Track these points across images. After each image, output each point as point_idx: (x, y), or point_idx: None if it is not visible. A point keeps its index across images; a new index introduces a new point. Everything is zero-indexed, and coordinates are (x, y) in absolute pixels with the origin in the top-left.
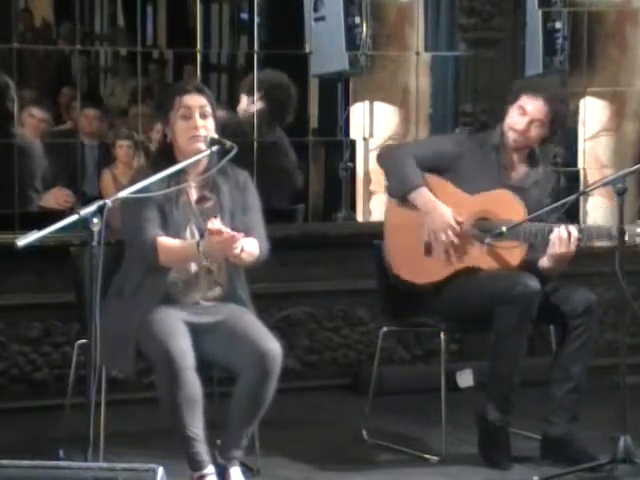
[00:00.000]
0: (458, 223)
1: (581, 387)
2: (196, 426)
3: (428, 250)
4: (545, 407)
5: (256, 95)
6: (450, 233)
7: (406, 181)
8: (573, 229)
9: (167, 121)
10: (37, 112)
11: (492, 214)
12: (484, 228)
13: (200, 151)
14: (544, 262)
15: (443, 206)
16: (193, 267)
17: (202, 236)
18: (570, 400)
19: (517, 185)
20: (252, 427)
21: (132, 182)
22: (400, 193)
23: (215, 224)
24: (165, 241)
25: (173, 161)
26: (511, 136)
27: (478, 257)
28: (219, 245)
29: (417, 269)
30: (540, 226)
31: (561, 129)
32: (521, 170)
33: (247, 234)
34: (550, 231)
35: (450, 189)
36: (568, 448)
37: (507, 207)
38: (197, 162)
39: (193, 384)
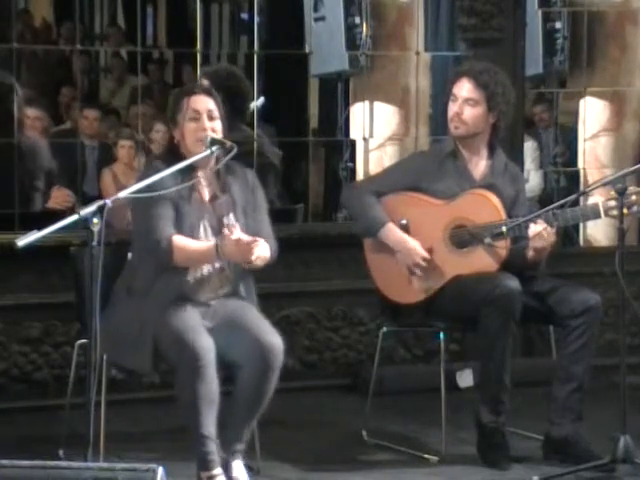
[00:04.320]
0: (429, 250)
1: (583, 386)
2: (211, 425)
3: (412, 270)
4: (548, 408)
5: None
6: (422, 262)
7: (372, 223)
8: (543, 222)
9: (175, 123)
10: (31, 111)
11: (467, 220)
12: (460, 238)
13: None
14: (529, 253)
15: (410, 240)
16: (207, 266)
17: (215, 233)
18: (573, 400)
19: (485, 183)
20: (254, 420)
21: (142, 177)
22: (369, 235)
23: (234, 233)
24: (181, 241)
25: (181, 161)
26: (452, 127)
27: (458, 265)
28: (238, 248)
29: (406, 290)
30: (521, 220)
31: (505, 106)
32: (483, 166)
33: (257, 233)
34: (527, 227)
35: (421, 203)
36: (573, 448)
37: (481, 210)
38: (206, 163)
39: (214, 382)
